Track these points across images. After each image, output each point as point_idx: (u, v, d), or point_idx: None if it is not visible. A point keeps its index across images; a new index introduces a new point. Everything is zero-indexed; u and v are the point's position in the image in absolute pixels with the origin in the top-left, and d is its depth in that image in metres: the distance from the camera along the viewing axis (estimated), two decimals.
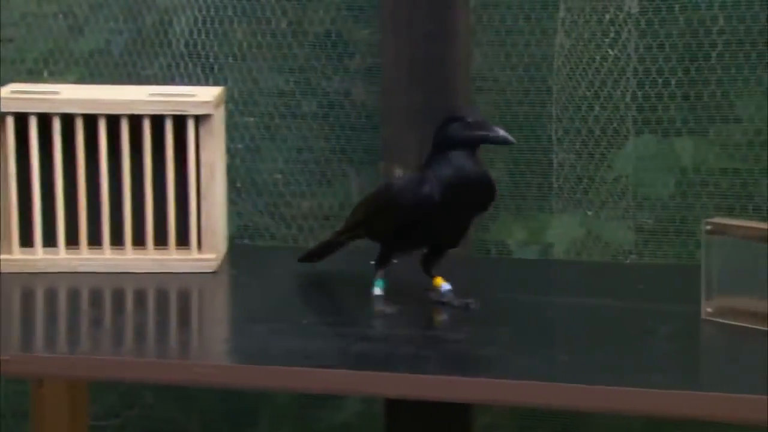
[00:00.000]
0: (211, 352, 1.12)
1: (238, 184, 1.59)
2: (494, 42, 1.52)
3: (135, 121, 1.31)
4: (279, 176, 1.60)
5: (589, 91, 1.47)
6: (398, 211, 1.17)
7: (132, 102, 1.31)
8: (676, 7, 1.46)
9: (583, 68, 1.47)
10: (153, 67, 1.58)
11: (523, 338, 1.14)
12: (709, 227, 1.18)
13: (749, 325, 1.16)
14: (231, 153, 1.57)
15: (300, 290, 1.32)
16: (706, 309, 1.20)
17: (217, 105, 1.34)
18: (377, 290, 1.20)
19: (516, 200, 1.54)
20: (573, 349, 1.13)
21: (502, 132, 1.17)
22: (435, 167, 1.17)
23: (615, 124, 1.48)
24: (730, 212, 1.47)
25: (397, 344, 1.13)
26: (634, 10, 1.44)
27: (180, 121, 1.31)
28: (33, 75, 1.61)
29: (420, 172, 1.18)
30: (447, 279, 1.22)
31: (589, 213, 1.49)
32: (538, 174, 1.52)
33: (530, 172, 1.53)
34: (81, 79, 1.60)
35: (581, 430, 1.57)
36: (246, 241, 1.60)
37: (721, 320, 1.18)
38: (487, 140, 1.18)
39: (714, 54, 1.45)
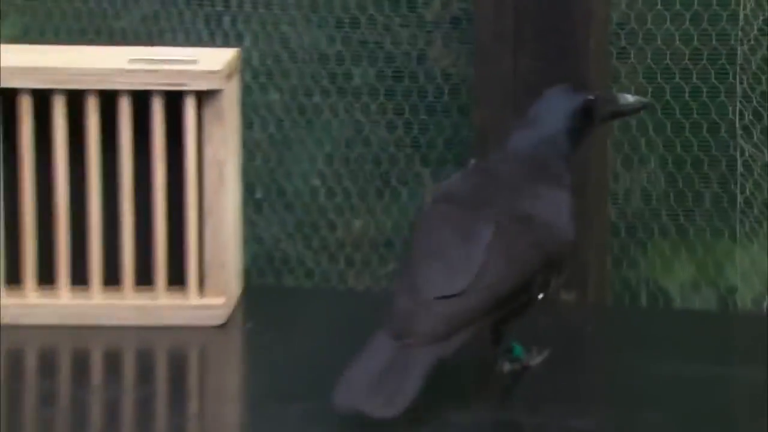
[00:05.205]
0: None
1: (259, 195, 1.39)
2: None
3: (107, 98, 1.14)
4: (317, 182, 1.41)
5: None
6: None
7: (103, 72, 1.13)
8: None
9: None
10: (131, 16, 1.40)
11: (690, 426, 1.00)
12: None
13: None
14: (249, 147, 1.39)
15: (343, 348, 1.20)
16: None
17: (229, 76, 1.16)
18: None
19: (678, 219, 1.35)
20: None
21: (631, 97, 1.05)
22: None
23: None
24: None
25: None
26: None
27: (174, 100, 1.13)
28: None
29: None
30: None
31: None
32: (713, 179, 1.33)
33: (701, 177, 1.34)
34: (21, 35, 1.41)
35: None
36: (269, 279, 1.41)
37: None
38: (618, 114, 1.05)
39: None
